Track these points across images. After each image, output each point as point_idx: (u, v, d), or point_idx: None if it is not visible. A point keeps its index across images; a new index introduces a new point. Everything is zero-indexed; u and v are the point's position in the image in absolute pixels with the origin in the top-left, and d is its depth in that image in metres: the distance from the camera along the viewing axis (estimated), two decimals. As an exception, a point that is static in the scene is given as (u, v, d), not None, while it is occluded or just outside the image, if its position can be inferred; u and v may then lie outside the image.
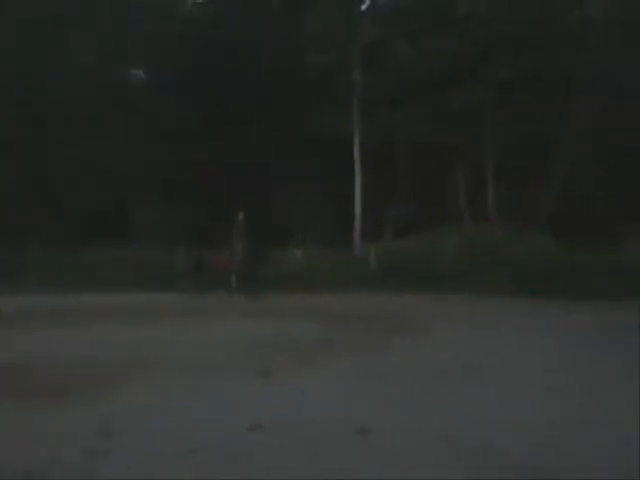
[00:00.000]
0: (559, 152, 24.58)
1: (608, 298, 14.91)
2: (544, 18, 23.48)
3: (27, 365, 8.75)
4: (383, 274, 19.81)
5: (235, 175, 26.63)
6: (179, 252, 22.62)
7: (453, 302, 15.88)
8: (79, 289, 19.67)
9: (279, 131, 27.56)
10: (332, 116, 25.84)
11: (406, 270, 19.38)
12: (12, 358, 9.25)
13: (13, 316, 14.59)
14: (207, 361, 8.85)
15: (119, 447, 5.20)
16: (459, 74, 24.72)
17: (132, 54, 31.30)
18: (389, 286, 18.44)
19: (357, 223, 26.17)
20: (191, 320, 13.62)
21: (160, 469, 4.68)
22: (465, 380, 7.41)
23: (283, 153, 27.18)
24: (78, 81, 28.05)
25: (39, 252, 24.37)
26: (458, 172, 26.70)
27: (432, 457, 4.86)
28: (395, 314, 13.69)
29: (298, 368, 8.25)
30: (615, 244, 18.30)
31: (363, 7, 27.57)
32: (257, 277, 19.12)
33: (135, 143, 27.86)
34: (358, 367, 8.34)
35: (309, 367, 8.29)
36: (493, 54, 24.48)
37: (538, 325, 11.89)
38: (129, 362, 8.79)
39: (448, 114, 24.79)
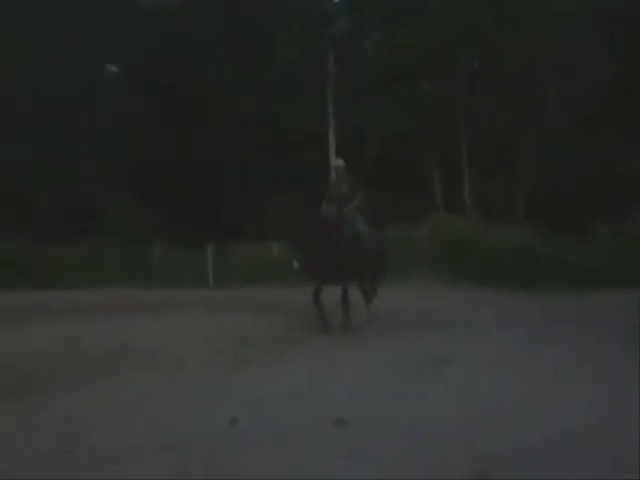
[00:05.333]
0: (529, 145, 24.78)
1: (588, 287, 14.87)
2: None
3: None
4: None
5: (203, 172, 26.42)
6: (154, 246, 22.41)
7: (429, 294, 15.66)
8: (49, 285, 19.38)
9: (250, 127, 27.36)
10: (304, 109, 25.64)
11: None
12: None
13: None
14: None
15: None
16: (431, 65, 24.71)
17: (101, 50, 30.87)
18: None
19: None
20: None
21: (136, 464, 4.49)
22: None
23: (253, 149, 27.03)
24: (48, 77, 27.65)
25: (8, 249, 24.06)
26: (432, 163, 26.61)
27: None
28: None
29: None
30: (586, 236, 18.43)
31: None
32: None
33: (104, 140, 27.52)
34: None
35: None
36: (464, 45, 24.44)
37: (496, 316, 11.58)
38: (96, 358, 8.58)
39: (421, 105, 24.75)
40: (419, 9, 24.54)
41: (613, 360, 7.48)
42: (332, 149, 26.16)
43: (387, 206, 24.73)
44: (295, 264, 10.62)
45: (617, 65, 24.03)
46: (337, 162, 11.88)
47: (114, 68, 33.13)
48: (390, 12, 25.30)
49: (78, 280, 20.28)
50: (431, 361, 7.59)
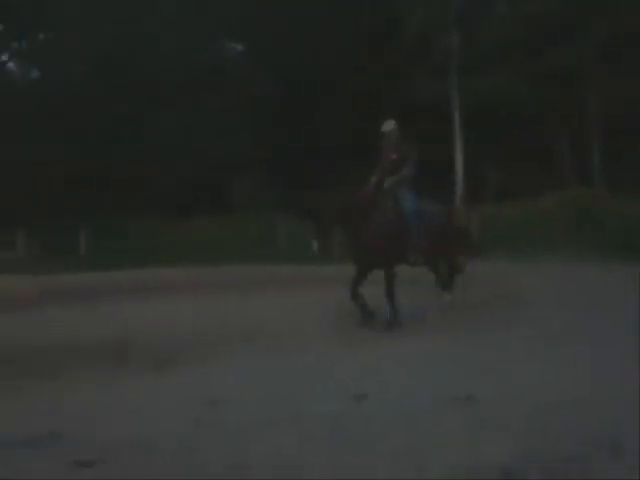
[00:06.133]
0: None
1: None
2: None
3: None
4: (485, 242, 19.33)
5: (330, 146, 26.55)
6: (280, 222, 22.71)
7: (556, 270, 15.21)
8: (178, 261, 19.98)
9: (374, 99, 27.27)
10: (428, 81, 25.32)
11: (508, 237, 18.89)
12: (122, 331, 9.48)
13: (122, 288, 15.00)
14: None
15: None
16: (557, 34, 23.87)
17: (228, 29, 31.50)
18: (492, 254, 17.92)
19: (458, 189, 25.74)
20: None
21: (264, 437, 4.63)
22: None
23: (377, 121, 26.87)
24: (172, 55, 28.44)
25: (137, 226, 24.95)
26: (560, 135, 25.82)
27: None
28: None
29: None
30: None
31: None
32: None
33: (229, 117, 28.11)
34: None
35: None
36: (594, 12, 23.47)
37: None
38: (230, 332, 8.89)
39: (549, 76, 24.01)
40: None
41: None
42: (456, 124, 25.81)
43: (514, 178, 24.32)
44: (314, 245, 8.98)
45: None
46: (386, 126, 9.85)
47: (239, 47, 33.79)
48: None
49: (205, 256, 20.83)
50: (554, 339, 7.42)
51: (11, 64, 34.34)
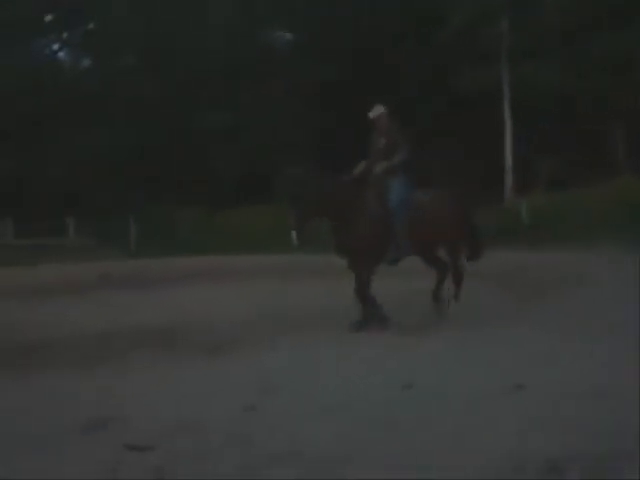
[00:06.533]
0: None
1: None
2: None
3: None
4: (537, 229, 19.05)
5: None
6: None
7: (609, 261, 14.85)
8: (226, 250, 20.07)
9: (423, 85, 27.07)
10: (477, 69, 24.95)
11: (560, 225, 18.58)
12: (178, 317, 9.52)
13: (174, 275, 15.12)
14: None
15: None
16: (611, 18, 23.36)
17: (277, 16, 31.51)
18: (544, 242, 17.63)
19: (508, 176, 25.43)
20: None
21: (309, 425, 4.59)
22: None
23: (428, 115, 26.64)
24: (221, 43, 28.55)
25: (189, 215, 25.13)
26: (614, 123, 25.29)
27: None
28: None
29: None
30: None
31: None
32: None
33: (279, 105, 28.13)
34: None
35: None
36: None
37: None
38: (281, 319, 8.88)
39: (601, 60, 23.51)
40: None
41: None
42: (506, 112, 25.48)
43: (566, 167, 23.91)
44: (293, 235, 8.16)
45: None
46: (374, 112, 8.79)
47: (288, 35, 33.77)
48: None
49: (252, 245, 20.88)
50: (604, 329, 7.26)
51: (62, 54, 34.88)
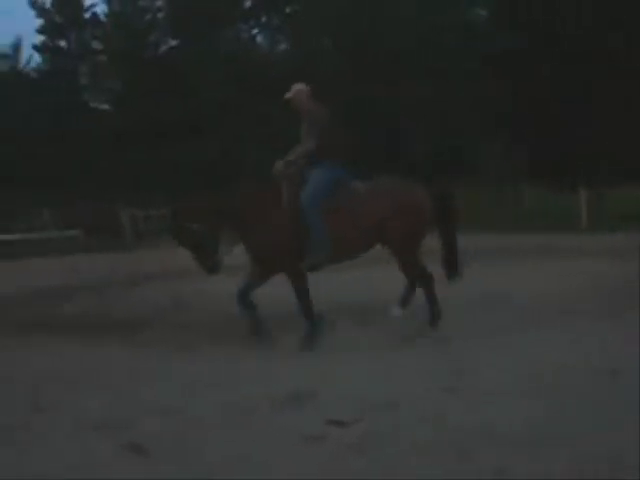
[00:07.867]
0: None
1: None
2: None
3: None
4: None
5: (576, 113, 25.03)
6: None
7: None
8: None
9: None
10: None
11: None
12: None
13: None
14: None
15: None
16: None
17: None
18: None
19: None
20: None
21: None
22: None
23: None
24: (413, 23, 28.50)
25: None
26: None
27: None
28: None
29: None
30: None
31: None
32: None
33: (473, 79, 27.69)
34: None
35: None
36: None
37: None
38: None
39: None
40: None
41: None
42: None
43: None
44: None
45: None
46: (289, 92, 7.40)
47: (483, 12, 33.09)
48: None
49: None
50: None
51: (260, 37, 36.11)
